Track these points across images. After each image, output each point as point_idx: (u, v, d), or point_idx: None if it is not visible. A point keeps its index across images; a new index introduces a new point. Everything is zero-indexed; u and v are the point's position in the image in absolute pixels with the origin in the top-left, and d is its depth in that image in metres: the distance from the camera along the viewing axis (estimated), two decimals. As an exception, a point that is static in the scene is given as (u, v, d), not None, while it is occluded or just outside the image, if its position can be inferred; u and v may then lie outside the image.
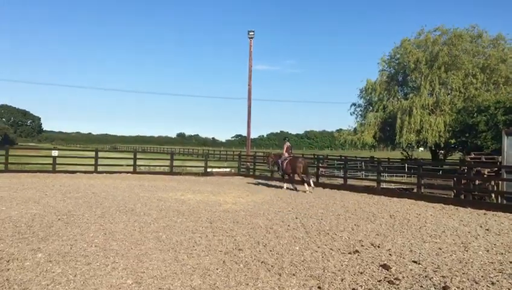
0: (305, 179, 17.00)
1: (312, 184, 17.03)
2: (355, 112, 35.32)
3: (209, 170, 25.99)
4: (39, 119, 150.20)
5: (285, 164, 17.59)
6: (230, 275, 5.51)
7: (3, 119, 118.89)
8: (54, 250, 6.40)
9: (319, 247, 7.19)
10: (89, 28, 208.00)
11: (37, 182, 16.60)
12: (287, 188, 17.51)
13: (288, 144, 19.08)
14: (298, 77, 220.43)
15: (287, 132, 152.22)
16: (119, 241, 7.10)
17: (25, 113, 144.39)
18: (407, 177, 24.70)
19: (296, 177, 17.59)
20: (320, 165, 22.91)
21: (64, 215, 9.36)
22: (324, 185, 19.14)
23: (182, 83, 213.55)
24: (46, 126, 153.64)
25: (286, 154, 18.18)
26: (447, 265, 6.19)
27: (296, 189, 16.91)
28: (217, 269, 5.74)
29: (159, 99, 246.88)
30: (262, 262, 6.13)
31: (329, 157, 39.16)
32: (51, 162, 22.15)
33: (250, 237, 7.79)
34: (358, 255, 6.71)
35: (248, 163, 28.24)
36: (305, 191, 16.06)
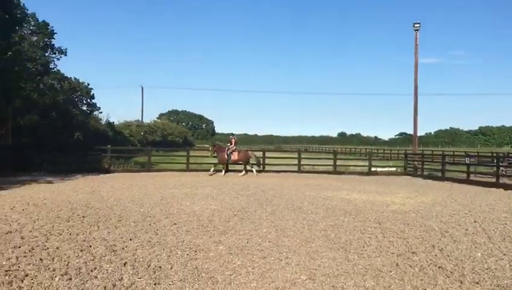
0: (249, 167, 22.30)
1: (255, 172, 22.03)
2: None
3: (373, 169, 25.42)
4: (212, 122, 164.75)
5: (236, 155, 21.84)
6: (405, 278, 5.30)
7: (183, 123, 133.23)
8: (233, 243, 6.93)
9: (504, 254, 6.47)
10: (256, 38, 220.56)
11: (212, 180, 18.19)
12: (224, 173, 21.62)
13: (235, 138, 22.96)
14: (469, 69, 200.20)
15: (458, 128, 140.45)
16: (290, 238, 7.37)
17: (201, 118, 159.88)
18: None
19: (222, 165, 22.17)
20: (500, 164, 20.61)
21: (239, 211, 10.07)
22: (506, 186, 17.12)
23: (342, 81, 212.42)
24: (218, 129, 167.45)
25: (234, 146, 22.12)
26: None
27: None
28: (390, 271, 5.57)
29: (320, 99, 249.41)
30: (439, 267, 5.76)
31: (510, 155, 34.88)
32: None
33: (424, 240, 7.38)
34: (556, 266, 5.85)
35: (415, 162, 26.79)
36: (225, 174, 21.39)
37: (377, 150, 63.42)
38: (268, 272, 5.43)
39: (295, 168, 24.83)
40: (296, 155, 27.77)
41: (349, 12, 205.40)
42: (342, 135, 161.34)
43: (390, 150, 59.26)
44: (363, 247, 6.83)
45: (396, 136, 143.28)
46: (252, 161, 22.53)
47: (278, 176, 21.45)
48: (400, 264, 5.90)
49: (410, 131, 31.93)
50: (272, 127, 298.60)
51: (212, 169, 21.88)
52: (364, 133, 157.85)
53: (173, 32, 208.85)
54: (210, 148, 22.72)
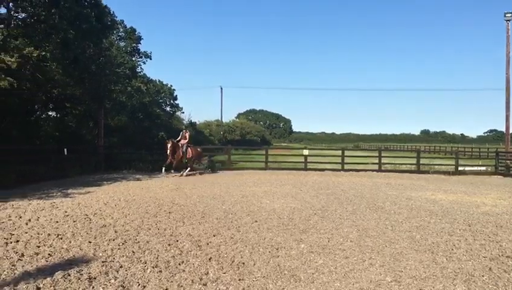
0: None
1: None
2: None
3: (460, 168, 24.07)
4: (290, 121, 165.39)
5: (191, 151, 19.95)
6: (499, 283, 4.97)
7: (261, 122, 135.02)
8: (314, 242, 6.90)
9: None
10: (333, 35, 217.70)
11: (291, 178, 18.23)
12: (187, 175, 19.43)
13: (189, 133, 21.15)
14: None
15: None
16: (372, 238, 7.20)
17: (278, 117, 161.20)
18: None
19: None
20: None
21: (319, 210, 10.02)
22: None
23: (425, 76, 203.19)
24: (295, 128, 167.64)
25: (187, 142, 20.10)
26: None
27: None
28: (483, 275, 5.25)
29: (400, 95, 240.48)
30: (538, 274, 5.34)
31: None
32: (303, 160, 24.06)
33: (520, 244, 6.88)
34: None
35: (508, 161, 24.97)
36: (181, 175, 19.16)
37: (464, 148, 60.00)
38: (352, 273, 5.35)
39: (375, 167, 24.19)
40: (376, 154, 27.03)
41: (432, 5, 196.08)
42: (425, 132, 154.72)
43: (479, 149, 55.69)
44: (452, 250, 6.50)
45: (486, 134, 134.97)
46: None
47: (357, 175, 21.02)
48: (493, 268, 5.55)
49: (502, 128, 29.90)
50: (350, 125, 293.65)
51: (163, 169, 19.46)
52: (449, 131, 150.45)
53: (248, 33, 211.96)
54: (168, 146, 19.27)
